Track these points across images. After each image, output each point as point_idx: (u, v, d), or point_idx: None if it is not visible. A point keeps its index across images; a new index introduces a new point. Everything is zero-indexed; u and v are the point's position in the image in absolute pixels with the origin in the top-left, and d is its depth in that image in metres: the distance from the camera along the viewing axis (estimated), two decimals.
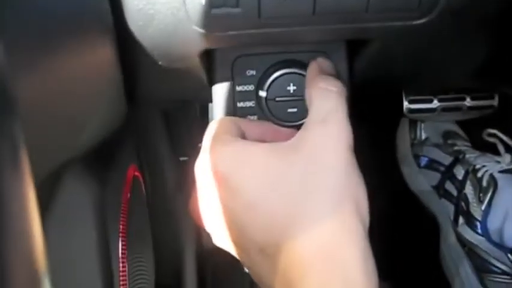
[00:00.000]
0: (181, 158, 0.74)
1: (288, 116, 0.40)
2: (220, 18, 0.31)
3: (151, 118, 0.66)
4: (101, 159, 0.49)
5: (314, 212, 0.32)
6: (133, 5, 0.32)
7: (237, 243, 0.36)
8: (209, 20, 0.31)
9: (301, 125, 0.40)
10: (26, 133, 0.23)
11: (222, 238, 0.38)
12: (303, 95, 0.39)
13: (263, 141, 0.38)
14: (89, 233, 0.46)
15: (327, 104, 0.35)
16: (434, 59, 0.40)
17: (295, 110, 0.40)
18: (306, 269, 0.31)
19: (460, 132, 0.81)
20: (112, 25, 0.32)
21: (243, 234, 0.35)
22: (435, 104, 0.66)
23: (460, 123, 0.82)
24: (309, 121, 0.36)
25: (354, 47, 0.40)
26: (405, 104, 0.66)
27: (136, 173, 0.59)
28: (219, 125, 0.38)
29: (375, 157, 0.85)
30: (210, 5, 0.31)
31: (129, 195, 0.54)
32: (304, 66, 0.39)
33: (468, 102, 0.66)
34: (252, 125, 0.39)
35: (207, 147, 0.37)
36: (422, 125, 0.81)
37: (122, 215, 0.52)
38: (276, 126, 0.41)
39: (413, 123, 0.82)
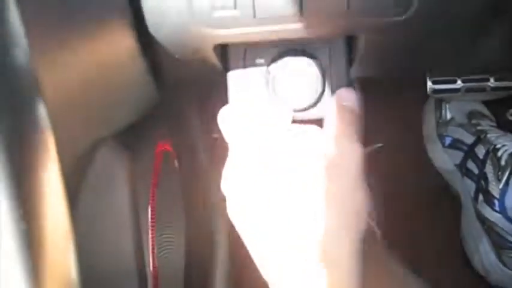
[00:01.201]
0: (214, 135, 0.77)
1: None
2: (222, 19, 0.36)
3: (183, 96, 0.69)
4: (133, 134, 0.53)
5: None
6: (150, 8, 0.36)
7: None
8: (212, 21, 0.36)
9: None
10: (61, 115, 0.26)
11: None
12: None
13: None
14: (120, 202, 0.51)
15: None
16: (429, 50, 0.42)
17: (300, 93, 0.43)
18: None
19: (486, 111, 0.82)
20: (131, 19, 0.36)
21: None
22: (459, 84, 0.67)
23: (487, 103, 0.83)
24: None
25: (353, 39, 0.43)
26: (429, 84, 0.67)
27: (168, 148, 0.63)
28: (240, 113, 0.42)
29: (401, 135, 0.87)
30: (211, 8, 0.35)
31: (159, 168, 0.58)
32: (307, 54, 0.42)
33: (492, 83, 0.66)
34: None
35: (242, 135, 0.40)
36: (448, 105, 0.82)
37: (152, 186, 0.56)
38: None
39: (438, 103, 0.83)
